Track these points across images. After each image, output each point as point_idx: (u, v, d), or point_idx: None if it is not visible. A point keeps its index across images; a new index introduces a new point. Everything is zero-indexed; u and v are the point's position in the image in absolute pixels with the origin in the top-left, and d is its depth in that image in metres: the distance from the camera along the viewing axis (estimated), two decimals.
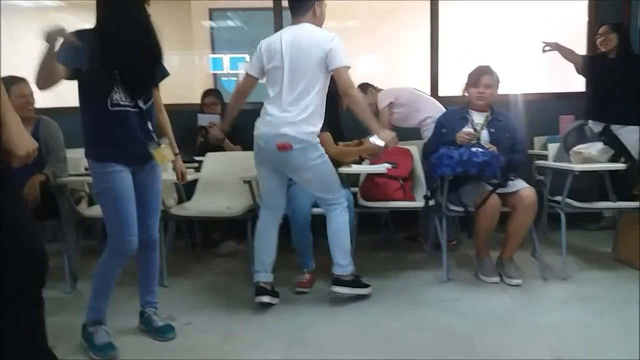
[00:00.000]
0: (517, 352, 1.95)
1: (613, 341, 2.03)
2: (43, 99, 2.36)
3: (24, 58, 2.31)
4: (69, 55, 1.78)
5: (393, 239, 3.72)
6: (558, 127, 3.83)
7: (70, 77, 1.87)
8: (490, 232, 2.78)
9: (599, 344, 2.01)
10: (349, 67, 2.29)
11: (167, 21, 2.27)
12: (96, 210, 2.77)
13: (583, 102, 3.59)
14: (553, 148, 3.19)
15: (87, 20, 1.96)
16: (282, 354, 2.00)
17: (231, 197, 3.15)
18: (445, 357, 1.93)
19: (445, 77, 4.02)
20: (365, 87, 3.51)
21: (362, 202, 3.04)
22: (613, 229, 3.36)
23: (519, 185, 2.77)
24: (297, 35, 2.31)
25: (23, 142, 1.29)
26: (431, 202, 2.90)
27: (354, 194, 2.98)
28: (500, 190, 2.73)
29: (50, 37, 1.65)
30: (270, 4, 3.99)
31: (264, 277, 2.47)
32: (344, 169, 2.73)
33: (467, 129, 2.89)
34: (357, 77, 2.44)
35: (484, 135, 2.90)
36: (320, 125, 2.34)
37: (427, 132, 3.28)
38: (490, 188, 2.74)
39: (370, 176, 3.09)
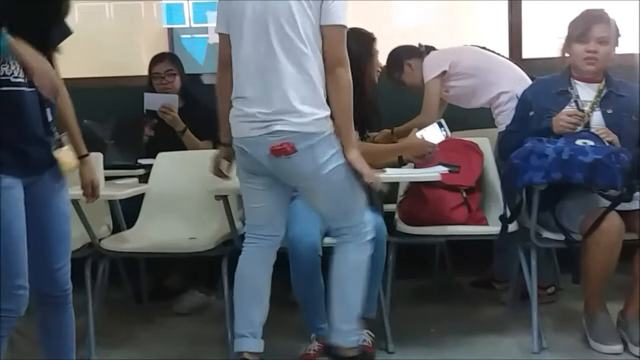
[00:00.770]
0: None
1: None
2: None
3: None
4: None
5: (452, 284, 3.72)
6: None
7: None
8: (607, 273, 2.74)
9: None
10: (344, 28, 2.39)
11: None
12: None
13: None
14: None
15: None
16: None
17: (197, 221, 3.17)
18: None
19: (532, 31, 4.01)
20: (397, 60, 3.51)
21: (401, 226, 2.98)
22: None
23: None
24: None
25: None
26: (512, 227, 2.88)
27: (389, 215, 2.99)
28: (623, 206, 2.69)
29: None
30: None
31: (251, 344, 2.49)
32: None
33: (570, 109, 2.86)
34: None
35: (596, 118, 2.87)
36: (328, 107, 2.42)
37: (504, 116, 3.24)
38: (606, 203, 2.71)
39: (416, 187, 3.04)
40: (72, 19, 2.17)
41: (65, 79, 2.17)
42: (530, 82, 3.19)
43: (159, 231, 3.15)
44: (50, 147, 2.04)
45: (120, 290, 3.48)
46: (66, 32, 2.11)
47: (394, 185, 3.18)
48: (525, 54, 3.98)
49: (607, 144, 2.70)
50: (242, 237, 2.61)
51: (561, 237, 2.76)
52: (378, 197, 2.83)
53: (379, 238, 2.62)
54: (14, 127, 1.94)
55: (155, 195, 3.31)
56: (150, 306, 3.51)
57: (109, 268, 3.10)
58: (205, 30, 4.58)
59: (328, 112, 2.39)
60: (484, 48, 3.49)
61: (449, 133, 2.96)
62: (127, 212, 3.21)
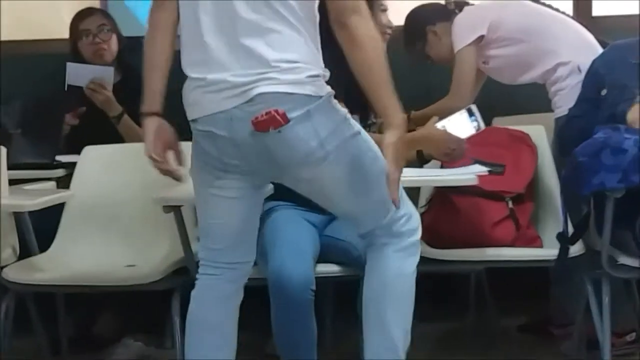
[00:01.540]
0: None
1: None
2: None
3: None
4: None
5: (494, 328, 3.74)
6: None
7: None
8: None
9: None
10: None
11: None
12: None
13: None
14: None
15: None
16: None
17: (137, 242, 3.22)
18: None
19: None
20: (418, 26, 3.58)
21: (424, 249, 2.84)
22: None
23: None
24: None
25: None
26: (576, 250, 2.93)
27: None
28: None
29: None
30: None
31: None
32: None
33: None
34: None
35: None
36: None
37: (564, 96, 3.32)
38: None
39: (444, 194, 3.14)
40: None
41: None
42: (601, 49, 3.26)
43: (84, 256, 3.16)
44: None
45: (29, 338, 3.42)
46: None
47: (413, 192, 3.03)
48: (596, 11, 4.04)
49: None
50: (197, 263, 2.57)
51: None
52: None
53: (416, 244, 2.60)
54: None
55: (80, 205, 3.31)
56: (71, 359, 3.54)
57: (14, 307, 3.09)
58: None
59: (326, 74, 2.35)
60: (536, 1, 3.56)
61: (481, 124, 2.97)
62: (40, 229, 3.19)
